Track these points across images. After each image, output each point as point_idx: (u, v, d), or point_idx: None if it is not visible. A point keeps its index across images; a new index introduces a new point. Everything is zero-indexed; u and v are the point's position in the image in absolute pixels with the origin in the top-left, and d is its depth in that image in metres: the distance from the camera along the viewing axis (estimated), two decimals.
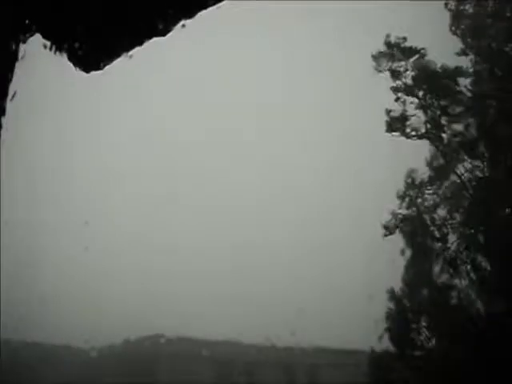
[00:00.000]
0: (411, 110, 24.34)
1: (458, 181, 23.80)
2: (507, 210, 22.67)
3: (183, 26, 2.74)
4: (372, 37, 25.10)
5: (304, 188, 51.81)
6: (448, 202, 23.94)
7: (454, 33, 23.58)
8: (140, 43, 2.75)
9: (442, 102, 24.10)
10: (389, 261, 23.24)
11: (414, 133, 24.13)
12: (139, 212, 49.49)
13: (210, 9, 2.77)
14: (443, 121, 24.16)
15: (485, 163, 23.46)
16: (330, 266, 46.79)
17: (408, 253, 23.65)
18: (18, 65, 2.50)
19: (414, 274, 23.24)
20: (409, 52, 24.32)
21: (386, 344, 23.12)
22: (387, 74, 24.49)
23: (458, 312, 22.51)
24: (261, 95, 62.46)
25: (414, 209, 24.08)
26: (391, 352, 22.81)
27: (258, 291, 43.00)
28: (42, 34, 2.62)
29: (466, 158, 23.56)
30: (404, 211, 24.14)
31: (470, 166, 23.60)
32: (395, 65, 24.37)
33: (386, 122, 24.22)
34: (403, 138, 24.36)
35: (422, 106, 24.26)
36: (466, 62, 23.82)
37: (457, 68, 23.80)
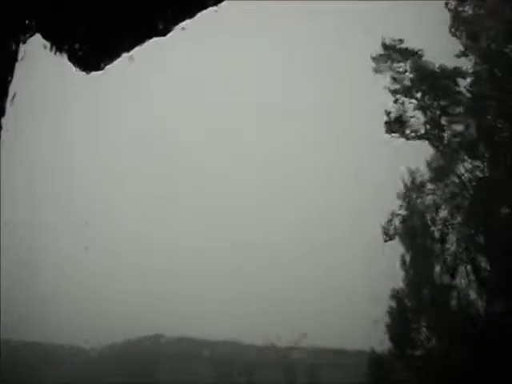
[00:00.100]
0: (410, 110, 24.35)
1: (458, 181, 23.80)
2: (507, 210, 22.67)
3: (183, 28, 2.74)
4: (372, 37, 25.10)
5: (304, 188, 51.83)
6: (448, 202, 23.94)
7: (454, 34, 23.58)
8: (140, 43, 2.75)
9: (442, 103, 24.10)
10: (389, 261, 23.28)
11: (413, 134, 24.13)
12: (139, 212, 49.52)
13: (210, 9, 2.78)
14: (443, 121, 24.17)
15: (485, 163, 23.46)
16: (330, 265, 46.81)
17: (408, 253, 23.68)
18: (17, 65, 2.50)
19: (415, 275, 23.24)
20: (407, 53, 24.31)
21: (386, 344, 23.15)
22: (387, 74, 24.51)
23: (458, 312, 22.51)
24: (261, 95, 62.48)
25: (414, 209, 24.08)
26: (391, 352, 22.81)
27: (258, 291, 43.04)
28: (42, 34, 2.62)
29: (465, 158, 23.56)
30: (404, 212, 24.15)
31: (470, 166, 23.61)
32: (394, 66, 24.37)
33: (385, 123, 24.21)
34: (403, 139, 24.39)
35: (421, 107, 24.25)
36: (465, 63, 23.85)
37: (456, 68, 23.80)
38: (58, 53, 2.66)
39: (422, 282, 23.04)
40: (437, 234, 23.75)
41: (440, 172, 23.78)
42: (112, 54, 2.74)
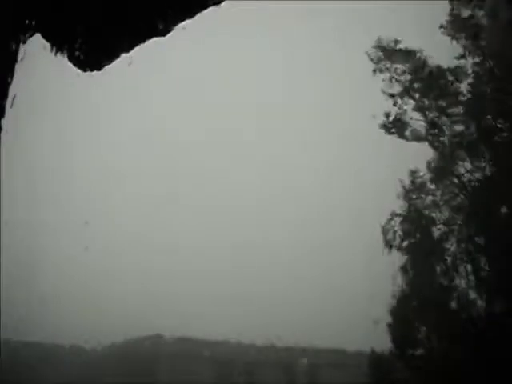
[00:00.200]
0: (409, 111, 24.33)
1: (458, 181, 23.79)
2: (507, 210, 22.66)
3: (183, 28, 2.74)
4: (372, 37, 25.08)
5: (304, 188, 51.84)
6: (448, 202, 23.93)
7: (454, 37, 23.58)
8: (140, 43, 2.75)
9: (441, 103, 24.08)
10: (389, 261, 23.26)
11: (413, 136, 24.11)
12: (139, 212, 49.52)
13: (210, 9, 2.78)
14: (442, 122, 24.15)
15: (485, 163, 23.46)
16: (330, 265, 46.82)
17: (408, 253, 23.68)
18: (18, 65, 2.50)
19: (415, 275, 23.24)
20: (406, 54, 24.29)
21: (386, 344, 23.14)
22: (386, 75, 24.49)
23: (458, 312, 22.52)
24: (261, 95, 62.51)
25: (414, 209, 24.07)
26: (392, 352, 22.81)
27: (258, 291, 43.03)
28: (42, 34, 2.62)
29: (465, 158, 23.55)
30: (404, 212, 24.13)
31: (469, 166, 23.60)
32: (393, 66, 24.35)
33: (385, 126, 24.19)
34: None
35: (420, 108, 24.24)
36: (465, 63, 23.82)
37: (456, 68, 23.79)
38: (58, 53, 2.66)
39: (422, 283, 23.04)
40: (437, 235, 23.75)
41: (440, 172, 23.77)
42: (112, 54, 2.74)
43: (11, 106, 2.46)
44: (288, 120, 58.39)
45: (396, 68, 24.42)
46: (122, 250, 44.47)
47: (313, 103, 55.37)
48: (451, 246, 23.47)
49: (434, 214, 24.02)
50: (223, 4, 2.78)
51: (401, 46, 24.49)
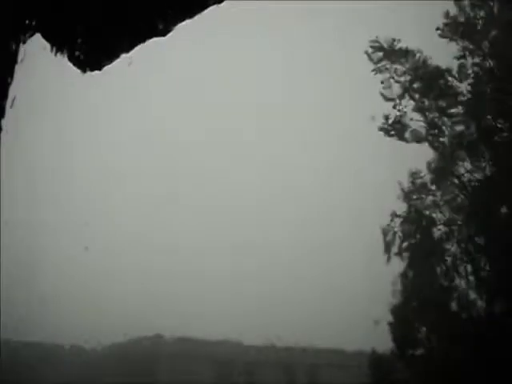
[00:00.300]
0: (409, 112, 24.31)
1: (458, 182, 23.79)
2: (507, 211, 22.66)
3: (183, 28, 2.74)
4: (372, 37, 25.06)
5: (304, 188, 51.86)
6: (448, 202, 23.93)
7: (451, 39, 23.57)
8: (140, 43, 2.75)
9: (441, 104, 24.07)
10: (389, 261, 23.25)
11: (413, 137, 24.09)
12: (139, 212, 49.54)
13: (210, 9, 2.77)
14: (442, 122, 24.14)
15: (485, 164, 23.46)
16: (330, 265, 46.85)
17: (409, 254, 23.67)
18: (18, 66, 2.50)
19: (415, 275, 23.24)
20: (406, 54, 24.27)
21: (386, 344, 23.15)
22: (386, 75, 24.47)
23: (458, 312, 22.52)
24: (261, 95, 62.55)
25: (415, 210, 24.06)
26: (393, 352, 22.80)
27: (258, 291, 43.04)
28: (42, 34, 2.61)
29: (466, 158, 23.54)
30: (404, 213, 24.11)
31: (470, 166, 23.59)
32: (393, 66, 24.33)
33: (384, 128, 24.16)
34: None
35: (420, 109, 24.22)
36: (465, 63, 23.79)
37: (456, 68, 23.80)
38: (58, 53, 2.66)
39: (422, 283, 23.03)
40: (437, 235, 23.75)
41: (440, 173, 23.76)
42: (112, 54, 2.73)
43: (11, 107, 2.45)
44: (288, 120, 58.44)
45: (396, 68, 24.41)
46: (121, 250, 44.51)
47: (313, 103, 55.42)
48: (451, 246, 23.47)
49: (434, 215, 24.02)
50: (223, 4, 2.78)
51: (400, 45, 24.48)
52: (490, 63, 23.27)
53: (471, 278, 22.80)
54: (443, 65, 24.12)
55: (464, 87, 23.83)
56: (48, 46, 2.65)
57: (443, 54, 24.21)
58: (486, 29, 23.32)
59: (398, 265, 23.60)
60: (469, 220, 22.96)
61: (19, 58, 2.50)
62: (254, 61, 62.11)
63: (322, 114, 57.10)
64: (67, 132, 46.97)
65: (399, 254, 23.32)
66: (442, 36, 23.53)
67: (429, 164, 24.03)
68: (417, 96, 24.34)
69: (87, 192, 48.37)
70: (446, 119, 24.04)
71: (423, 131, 24.24)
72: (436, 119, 24.14)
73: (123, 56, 2.76)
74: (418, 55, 24.29)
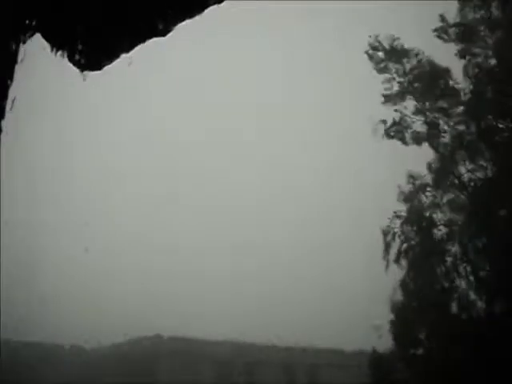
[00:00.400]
0: (409, 112, 24.29)
1: (458, 182, 23.78)
2: (507, 211, 22.64)
3: (183, 28, 2.74)
4: (372, 37, 25.04)
5: (304, 188, 51.88)
6: (449, 203, 23.92)
7: (447, 40, 23.58)
8: (140, 43, 2.75)
9: (441, 104, 24.06)
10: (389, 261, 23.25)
11: (413, 138, 24.07)
12: (139, 212, 49.55)
13: (210, 9, 2.77)
14: (442, 122, 24.13)
15: (485, 164, 23.44)
16: (330, 265, 46.86)
17: (409, 254, 23.66)
18: (18, 66, 2.49)
19: (415, 276, 23.23)
20: (406, 54, 24.26)
21: (386, 344, 23.14)
22: (386, 75, 24.46)
23: (458, 312, 22.51)
24: (261, 95, 62.57)
25: (415, 210, 24.04)
26: (393, 352, 22.80)
27: (258, 291, 43.05)
28: (42, 34, 2.61)
29: (466, 158, 23.53)
30: (404, 213, 24.10)
31: (470, 166, 23.58)
32: (394, 66, 24.31)
33: (384, 131, 24.14)
34: None
35: (420, 109, 24.20)
36: (465, 63, 23.78)
37: (456, 68, 23.79)
38: (57, 53, 2.66)
39: (422, 283, 23.03)
40: (437, 235, 23.74)
41: (440, 173, 23.75)
42: (112, 54, 2.73)
43: (11, 108, 2.45)
44: (288, 120, 58.47)
45: (396, 68, 24.40)
46: (121, 250, 44.53)
47: (313, 103, 55.47)
48: (452, 246, 23.46)
49: (434, 215, 24.01)
50: (223, 4, 2.78)
51: (400, 45, 24.46)
52: (490, 64, 23.27)
53: (471, 278, 22.80)
54: (443, 65, 24.14)
55: (464, 87, 23.85)
56: (48, 46, 2.65)
57: (443, 54, 24.23)
58: (486, 30, 23.31)
59: (398, 265, 23.62)
60: (469, 220, 22.95)
61: (19, 58, 2.50)
62: (254, 61, 62.16)
63: (322, 114, 57.15)
64: (67, 132, 47.01)
65: (397, 259, 23.29)
66: (438, 38, 23.59)
67: (429, 164, 24.02)
68: (417, 96, 24.33)
69: (87, 192, 48.40)
70: (446, 119, 24.04)
71: (423, 131, 24.24)
72: (436, 119, 24.14)
73: (123, 56, 2.76)
74: (418, 55, 24.29)
